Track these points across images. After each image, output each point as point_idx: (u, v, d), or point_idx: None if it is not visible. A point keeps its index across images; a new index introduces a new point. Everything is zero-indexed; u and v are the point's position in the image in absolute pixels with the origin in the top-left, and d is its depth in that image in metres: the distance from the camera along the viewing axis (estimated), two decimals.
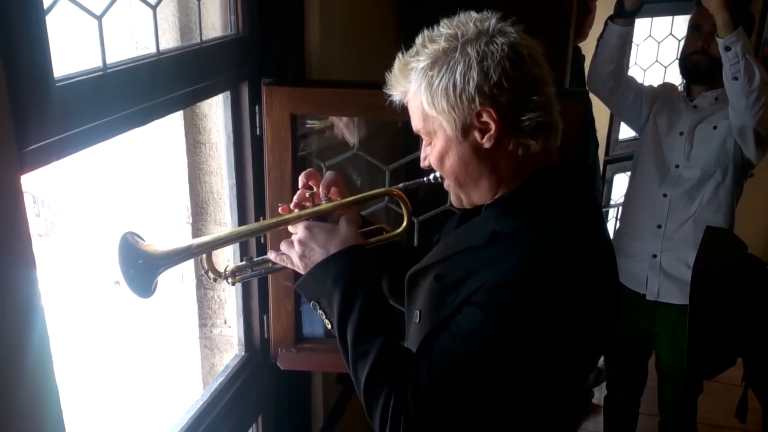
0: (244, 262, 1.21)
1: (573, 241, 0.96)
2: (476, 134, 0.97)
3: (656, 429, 2.42)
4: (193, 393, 1.72)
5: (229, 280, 1.19)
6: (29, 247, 0.91)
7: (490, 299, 0.93)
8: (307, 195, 1.15)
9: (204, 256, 1.16)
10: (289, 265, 1.13)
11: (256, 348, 1.75)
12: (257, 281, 1.69)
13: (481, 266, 0.96)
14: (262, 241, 1.63)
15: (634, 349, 2.33)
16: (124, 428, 2.05)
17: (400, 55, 1.02)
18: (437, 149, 1.01)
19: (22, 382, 0.91)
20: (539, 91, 0.97)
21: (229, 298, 1.76)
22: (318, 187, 1.16)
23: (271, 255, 1.15)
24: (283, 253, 1.12)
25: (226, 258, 1.62)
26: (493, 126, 0.96)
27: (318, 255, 1.08)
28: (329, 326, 1.06)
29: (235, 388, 1.64)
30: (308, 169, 1.20)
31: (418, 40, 1.00)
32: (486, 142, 0.97)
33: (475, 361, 0.93)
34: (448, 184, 1.06)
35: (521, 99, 0.95)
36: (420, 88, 0.98)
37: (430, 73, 0.96)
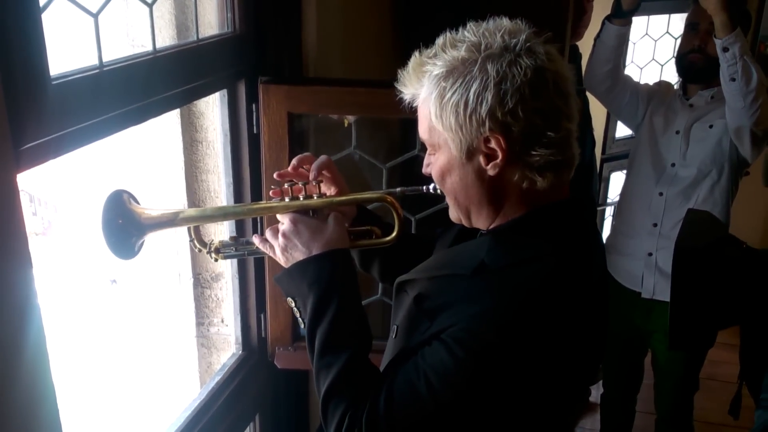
0: (229, 240, 1.20)
1: (553, 292, 0.91)
2: (481, 159, 0.92)
3: (653, 427, 2.43)
4: (190, 392, 1.72)
5: (213, 255, 1.18)
6: (26, 245, 0.91)
7: (457, 342, 0.89)
8: (299, 185, 1.12)
9: (191, 226, 1.16)
10: (272, 255, 1.10)
11: (254, 347, 1.75)
12: (254, 279, 1.69)
13: (459, 300, 0.93)
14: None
15: (630, 347, 2.33)
16: (121, 427, 2.05)
17: (417, 53, 0.96)
18: (439, 165, 0.97)
19: (18, 381, 0.91)
20: (557, 127, 0.90)
21: (226, 296, 1.76)
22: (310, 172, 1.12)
23: (256, 240, 1.13)
24: (268, 241, 1.10)
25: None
26: (500, 154, 0.90)
27: (299, 253, 1.05)
28: (302, 326, 1.04)
29: (233, 386, 1.64)
30: (304, 153, 1.15)
31: (439, 40, 0.94)
32: (490, 170, 0.92)
33: (435, 402, 0.90)
34: (448, 200, 1.02)
35: (535, 132, 0.89)
36: (431, 96, 0.92)
37: (444, 84, 0.90)
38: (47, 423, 0.97)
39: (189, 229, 1.17)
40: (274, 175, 1.13)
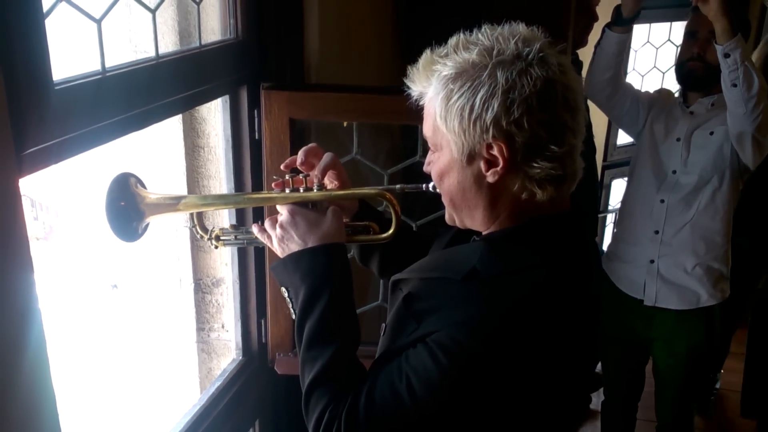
0: (230, 228, 1.21)
1: (539, 304, 0.91)
2: (482, 164, 0.91)
3: None
4: (190, 397, 1.72)
5: (213, 242, 1.19)
6: (27, 250, 0.91)
7: (442, 349, 0.89)
8: (300, 177, 1.12)
9: (194, 212, 1.18)
10: (269, 245, 1.11)
11: (254, 352, 1.75)
12: (255, 285, 1.69)
13: (447, 305, 0.93)
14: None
15: (632, 354, 2.33)
16: None
17: (428, 50, 0.95)
18: (439, 165, 0.97)
19: (18, 386, 0.91)
20: (561, 141, 0.89)
21: (226, 302, 1.76)
22: (316, 166, 1.12)
23: (254, 229, 1.14)
24: (266, 231, 1.11)
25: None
26: (501, 162, 0.90)
27: (295, 245, 1.05)
28: (293, 316, 1.04)
29: (233, 392, 1.63)
30: (310, 144, 1.14)
31: (452, 40, 0.93)
32: (490, 176, 0.91)
33: (415, 407, 0.90)
34: (444, 200, 1.02)
35: (539, 145, 0.89)
36: (437, 97, 0.91)
37: (451, 86, 0.89)
38: (47, 428, 0.97)
39: (192, 215, 1.19)
40: (281, 167, 1.13)
